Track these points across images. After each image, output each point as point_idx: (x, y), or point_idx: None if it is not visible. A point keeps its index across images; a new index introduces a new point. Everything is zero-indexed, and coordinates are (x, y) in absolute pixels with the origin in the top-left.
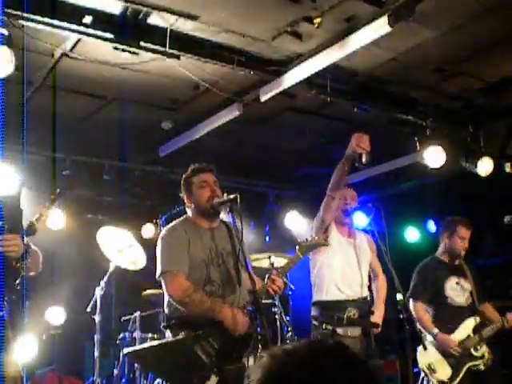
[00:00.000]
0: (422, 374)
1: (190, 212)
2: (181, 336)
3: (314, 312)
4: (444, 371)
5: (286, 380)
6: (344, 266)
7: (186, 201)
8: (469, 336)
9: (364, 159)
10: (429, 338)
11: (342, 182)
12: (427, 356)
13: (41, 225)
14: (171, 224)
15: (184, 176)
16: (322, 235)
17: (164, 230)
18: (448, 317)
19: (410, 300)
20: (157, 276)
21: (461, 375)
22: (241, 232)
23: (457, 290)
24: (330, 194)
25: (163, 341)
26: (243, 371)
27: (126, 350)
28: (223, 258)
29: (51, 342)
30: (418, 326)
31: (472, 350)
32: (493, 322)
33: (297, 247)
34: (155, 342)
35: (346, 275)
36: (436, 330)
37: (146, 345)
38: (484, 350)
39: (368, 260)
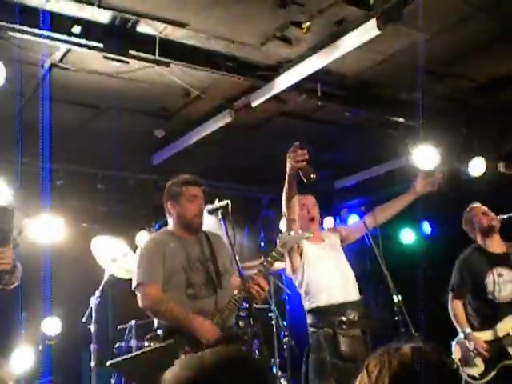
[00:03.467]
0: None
1: (170, 222)
2: (164, 343)
3: (310, 320)
4: (476, 367)
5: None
6: (329, 271)
7: (169, 207)
8: (508, 334)
9: (310, 174)
10: (461, 335)
11: (293, 202)
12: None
13: (23, 238)
14: (150, 237)
15: (172, 183)
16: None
17: (143, 244)
18: (490, 313)
19: (450, 295)
20: (132, 288)
21: (493, 373)
22: (233, 238)
23: (499, 284)
24: (288, 218)
25: (146, 349)
26: None
27: (108, 362)
28: (202, 262)
29: (47, 353)
30: (453, 321)
31: (509, 349)
32: None
33: (278, 241)
34: (138, 352)
35: (334, 279)
36: (468, 330)
37: (129, 355)
38: None
39: (344, 255)
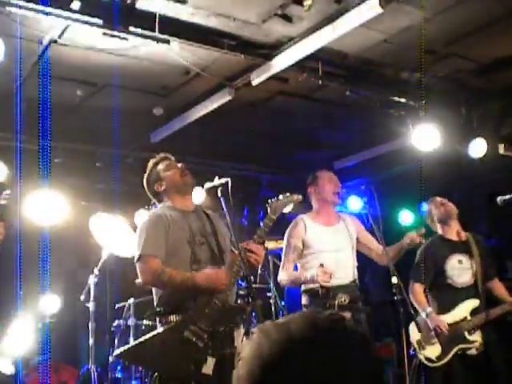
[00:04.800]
0: (412, 350)
1: (165, 202)
2: (168, 325)
3: (304, 301)
4: (433, 349)
5: (276, 356)
6: (331, 253)
7: (157, 190)
8: (465, 318)
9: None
10: (423, 314)
11: None
12: (419, 332)
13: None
14: (152, 211)
15: (146, 174)
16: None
17: (144, 218)
18: (449, 298)
19: (411, 281)
20: (135, 261)
21: (449, 356)
22: (232, 217)
23: (459, 270)
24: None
25: (152, 334)
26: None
27: (116, 352)
28: (206, 237)
29: (46, 331)
30: (414, 304)
31: (466, 333)
32: (503, 301)
33: (268, 208)
34: (145, 337)
35: (334, 262)
36: (429, 309)
37: (135, 342)
38: (478, 334)
39: (355, 242)
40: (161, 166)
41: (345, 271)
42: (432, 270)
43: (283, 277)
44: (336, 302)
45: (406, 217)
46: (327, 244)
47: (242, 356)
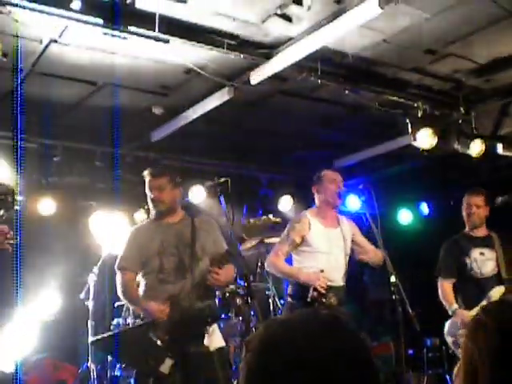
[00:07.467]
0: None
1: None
2: (137, 324)
3: (290, 290)
4: None
5: (277, 349)
6: (324, 255)
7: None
8: None
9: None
10: (449, 312)
11: None
12: (453, 330)
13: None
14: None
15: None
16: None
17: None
18: (474, 289)
19: (438, 279)
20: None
21: None
22: (231, 215)
23: (480, 261)
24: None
25: (123, 329)
26: (207, 354)
27: (90, 339)
28: (178, 248)
29: (45, 329)
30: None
31: None
32: None
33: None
34: (116, 331)
35: (327, 263)
36: (455, 306)
37: (108, 333)
38: None
39: (349, 248)
40: (146, 182)
41: (337, 274)
42: (455, 264)
43: (274, 265)
44: (326, 302)
45: (404, 216)
46: (323, 245)
47: (248, 349)
